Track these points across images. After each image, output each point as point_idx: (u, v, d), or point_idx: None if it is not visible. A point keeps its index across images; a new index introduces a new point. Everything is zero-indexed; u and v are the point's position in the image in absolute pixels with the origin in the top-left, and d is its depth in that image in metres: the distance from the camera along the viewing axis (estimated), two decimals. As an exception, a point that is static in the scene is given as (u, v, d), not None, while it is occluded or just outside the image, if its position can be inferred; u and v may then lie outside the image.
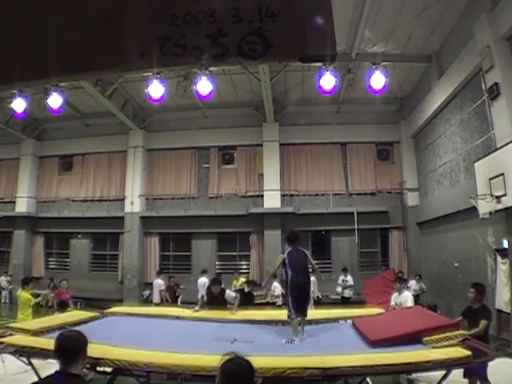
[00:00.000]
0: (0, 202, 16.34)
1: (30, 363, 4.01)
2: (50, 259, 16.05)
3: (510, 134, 7.36)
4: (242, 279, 11.37)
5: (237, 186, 14.49)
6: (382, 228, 13.94)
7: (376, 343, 4.04)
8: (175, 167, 15.13)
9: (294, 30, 1.80)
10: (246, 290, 8.83)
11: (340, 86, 11.67)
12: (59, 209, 15.65)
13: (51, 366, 2.19)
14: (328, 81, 9.54)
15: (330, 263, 13.74)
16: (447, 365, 3.41)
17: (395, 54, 11.06)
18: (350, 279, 11.69)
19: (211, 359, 3.38)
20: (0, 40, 2.07)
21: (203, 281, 10.39)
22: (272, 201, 13.75)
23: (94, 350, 3.65)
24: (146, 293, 13.91)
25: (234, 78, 12.66)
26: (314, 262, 5.49)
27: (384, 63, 10.05)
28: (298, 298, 5.00)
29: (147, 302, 13.14)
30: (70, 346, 2.14)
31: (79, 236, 15.51)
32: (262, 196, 13.98)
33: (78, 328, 4.90)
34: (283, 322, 5.37)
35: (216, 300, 6.34)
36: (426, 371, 3.84)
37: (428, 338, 3.91)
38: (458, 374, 3.92)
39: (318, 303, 10.95)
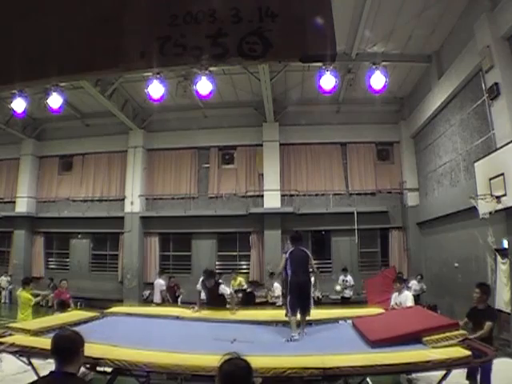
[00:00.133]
0: (0, 202, 16.34)
1: (30, 363, 4.01)
2: (49, 259, 16.05)
3: (510, 134, 7.36)
4: (240, 279, 11.37)
5: (237, 186, 14.49)
6: (381, 228, 13.94)
7: (376, 343, 4.04)
8: (175, 167, 15.13)
9: (294, 29, 1.80)
10: (249, 290, 8.88)
11: (340, 86, 11.66)
12: (59, 209, 15.65)
13: (51, 366, 2.20)
14: (328, 81, 9.54)
15: (329, 263, 13.74)
16: (447, 365, 3.41)
17: (395, 54, 11.06)
18: (350, 279, 11.69)
19: (211, 359, 3.38)
20: (0, 40, 2.07)
21: (212, 282, 10.39)
22: (272, 201, 13.75)
23: (94, 350, 3.67)
24: (146, 293, 13.91)
25: (234, 77, 12.66)
26: (314, 263, 5.47)
27: (384, 63, 10.04)
28: (297, 298, 5.05)
29: (147, 301, 13.13)
30: (66, 346, 2.14)
31: (79, 236, 15.50)
32: (262, 196, 13.98)
33: (78, 328, 4.90)
34: (283, 322, 5.38)
35: (212, 294, 6.19)
36: (425, 371, 3.84)
37: (428, 338, 3.91)
38: (458, 374, 3.91)
39: (318, 303, 10.94)
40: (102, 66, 2.00)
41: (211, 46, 1.82)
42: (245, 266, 14.20)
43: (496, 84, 7.82)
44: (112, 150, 15.52)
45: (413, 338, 4.00)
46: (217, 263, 14.28)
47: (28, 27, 2.05)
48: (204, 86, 9.90)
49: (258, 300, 10.47)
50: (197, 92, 10.23)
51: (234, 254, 14.42)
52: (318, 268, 7.25)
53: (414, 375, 4.88)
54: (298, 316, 5.07)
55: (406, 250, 13.58)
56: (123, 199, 14.90)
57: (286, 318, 5.17)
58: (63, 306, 6.91)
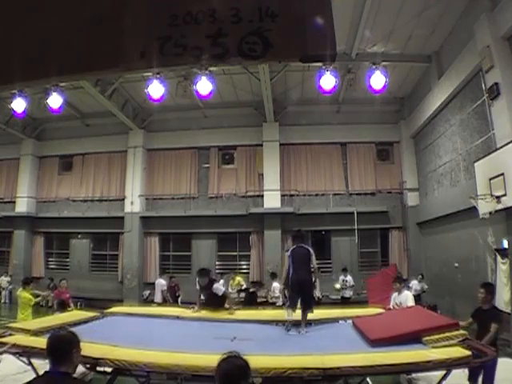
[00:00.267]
0: (0, 202, 16.34)
1: (30, 363, 4.01)
2: (50, 259, 16.06)
3: (510, 134, 7.37)
4: (239, 279, 11.38)
5: (237, 186, 14.49)
6: (382, 228, 13.95)
7: (376, 342, 4.04)
8: (175, 167, 15.13)
9: (294, 30, 1.80)
10: (251, 290, 8.93)
11: (340, 86, 11.67)
12: (59, 209, 15.65)
13: (51, 366, 2.21)
14: (328, 81, 9.55)
15: (330, 263, 13.75)
16: (447, 365, 3.41)
17: (395, 54, 11.06)
18: (349, 279, 11.70)
19: (211, 359, 3.37)
20: (0, 40, 2.07)
21: (206, 280, 10.39)
22: (272, 201, 13.75)
23: (94, 349, 3.67)
24: (146, 293, 13.92)
25: (234, 77, 12.67)
26: (315, 262, 5.50)
27: (384, 63, 10.05)
28: (297, 293, 5.19)
29: (147, 301, 13.14)
30: (60, 346, 2.15)
31: (79, 236, 15.51)
32: (262, 196, 13.99)
33: (78, 328, 4.91)
34: (283, 322, 5.39)
35: (207, 294, 6.05)
36: (426, 371, 3.84)
37: (428, 338, 3.91)
38: (458, 375, 3.91)
39: (318, 303, 10.94)
40: (102, 66, 2.00)
41: (211, 46, 1.82)
42: (245, 266, 14.20)
43: (496, 84, 7.82)
44: (112, 150, 15.53)
45: (413, 338, 4.00)
46: (217, 263, 14.29)
47: (28, 27, 2.05)
48: (204, 86, 9.91)
49: (258, 300, 10.49)
50: (197, 92, 10.24)
51: (234, 253, 14.42)
52: (319, 268, 7.26)
53: (413, 375, 4.88)
54: (297, 311, 5.15)
55: (406, 250, 13.58)
56: (123, 199, 14.91)
57: (286, 318, 5.18)
58: (63, 306, 6.92)
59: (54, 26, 2.01)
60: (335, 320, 5.52)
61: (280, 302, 9.69)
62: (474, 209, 8.19)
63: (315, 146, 14.48)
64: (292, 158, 14.52)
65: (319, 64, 9.29)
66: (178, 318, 5.83)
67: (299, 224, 13.28)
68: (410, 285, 10.31)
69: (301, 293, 5.20)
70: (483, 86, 8.67)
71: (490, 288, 4.89)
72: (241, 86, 13.21)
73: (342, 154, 14.52)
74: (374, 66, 9.76)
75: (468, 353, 3.50)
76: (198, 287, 6.31)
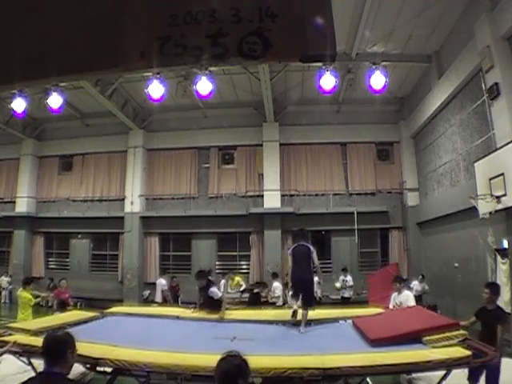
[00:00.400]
0: (0, 202, 16.34)
1: (30, 363, 4.01)
2: (50, 259, 16.06)
3: (510, 134, 7.37)
4: (238, 279, 11.37)
5: (237, 186, 14.49)
6: (382, 228, 13.95)
7: (376, 342, 4.04)
8: (175, 167, 15.13)
9: (294, 30, 1.80)
10: (255, 290, 8.97)
11: (340, 86, 11.67)
12: (59, 209, 15.65)
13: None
14: (328, 81, 9.55)
15: (330, 263, 13.74)
16: (447, 365, 3.41)
17: (395, 54, 11.06)
18: (349, 279, 11.70)
19: (211, 359, 3.37)
20: (0, 40, 2.07)
21: (203, 283, 10.38)
22: (272, 201, 13.75)
23: (94, 349, 3.67)
24: (146, 293, 13.92)
25: (234, 77, 12.66)
26: (317, 259, 5.57)
27: (384, 63, 10.06)
28: (296, 290, 5.39)
29: (147, 301, 13.14)
30: (55, 347, 2.16)
31: (79, 236, 15.51)
32: (262, 196, 13.99)
33: (78, 328, 4.91)
34: (283, 322, 5.39)
35: (204, 296, 5.94)
36: (426, 371, 3.84)
37: (428, 338, 3.91)
38: (458, 374, 3.91)
39: (319, 303, 10.94)
40: (102, 66, 2.00)
41: (211, 45, 1.82)
42: (245, 266, 14.21)
43: (496, 84, 7.82)
44: (112, 150, 15.52)
45: (413, 338, 4.00)
46: (217, 263, 14.29)
47: (28, 27, 2.05)
48: (204, 86, 9.90)
49: (245, 299, 10.44)
50: (197, 92, 10.24)
51: (234, 253, 14.42)
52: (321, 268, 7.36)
53: (413, 375, 4.87)
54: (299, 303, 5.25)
55: (406, 250, 13.58)
56: (123, 199, 14.91)
57: (286, 318, 5.20)
58: (63, 306, 6.91)
59: (54, 26, 2.01)
60: (335, 320, 5.53)
61: (280, 302, 9.68)
62: (474, 209, 8.18)
63: (315, 146, 14.48)
64: (292, 157, 14.52)
65: (319, 64, 9.29)
66: (177, 318, 5.84)
67: (299, 224, 13.22)
68: (411, 285, 10.29)
69: (301, 290, 5.32)
70: (483, 85, 8.67)
71: (494, 288, 4.82)
72: (241, 86, 13.21)
73: (342, 154, 14.52)
74: (374, 66, 9.76)
75: (468, 353, 3.50)
76: (197, 288, 6.29)
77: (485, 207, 7.68)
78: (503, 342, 4.65)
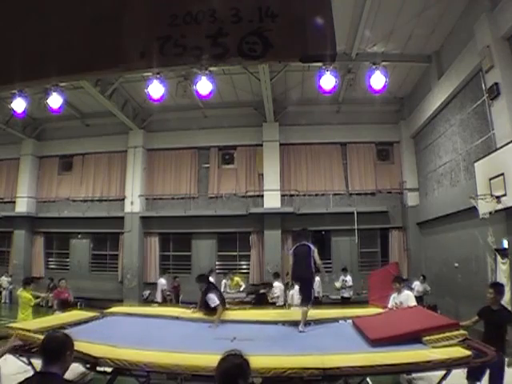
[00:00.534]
0: (0, 202, 16.34)
1: (30, 363, 4.01)
2: (50, 259, 16.05)
3: (510, 134, 7.36)
4: (237, 279, 11.37)
5: (237, 186, 14.49)
6: (382, 228, 13.94)
7: (376, 342, 4.04)
8: (175, 167, 15.13)
9: (294, 29, 1.80)
10: (262, 291, 9.01)
11: (340, 86, 11.67)
12: (59, 209, 15.65)
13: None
14: (328, 81, 9.54)
15: (330, 263, 13.74)
16: (447, 365, 3.41)
17: (395, 54, 11.06)
18: (349, 279, 11.68)
19: (211, 359, 3.37)
20: (0, 40, 2.07)
21: (203, 286, 10.42)
22: (272, 201, 13.75)
23: (94, 349, 3.67)
24: (146, 293, 13.92)
25: (234, 77, 12.66)
26: (318, 258, 5.62)
27: (384, 63, 10.05)
28: (299, 287, 5.76)
29: (147, 301, 13.15)
30: (54, 347, 2.17)
31: (79, 236, 15.51)
32: (262, 196, 13.98)
33: (78, 328, 4.91)
34: (283, 322, 5.39)
35: (201, 301, 5.88)
36: (426, 371, 3.84)
37: (428, 338, 3.91)
38: (458, 374, 3.91)
39: (320, 303, 10.94)
40: (102, 66, 2.00)
41: (211, 45, 1.82)
42: (245, 266, 14.21)
43: (496, 84, 7.82)
44: (112, 150, 15.52)
45: (413, 338, 4.00)
46: (217, 263, 14.28)
47: (28, 27, 2.05)
48: (204, 86, 9.90)
49: (251, 300, 10.47)
50: (197, 92, 10.24)
51: (234, 253, 14.42)
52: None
53: (413, 375, 4.87)
54: (298, 312, 5.39)
55: (406, 250, 13.58)
56: (123, 199, 14.90)
57: (287, 318, 5.22)
58: (64, 305, 6.91)
59: (54, 25, 2.02)
60: (335, 320, 5.53)
61: (281, 302, 9.68)
62: (474, 209, 8.18)
63: (315, 146, 14.48)
64: (292, 157, 14.52)
65: (319, 64, 9.29)
66: (177, 318, 5.84)
67: (299, 224, 13.26)
68: (413, 286, 10.27)
69: (300, 287, 5.65)
70: (483, 85, 8.67)
71: (499, 288, 4.78)
72: (241, 86, 13.21)
73: (342, 154, 14.52)
74: (374, 66, 9.76)
75: (468, 353, 3.50)
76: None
77: (485, 207, 7.67)
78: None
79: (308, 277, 5.58)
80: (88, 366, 3.69)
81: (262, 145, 14.29)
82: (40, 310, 9.94)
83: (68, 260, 15.67)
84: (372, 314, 5.45)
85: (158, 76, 9.99)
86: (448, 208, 10.49)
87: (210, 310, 5.67)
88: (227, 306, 6.37)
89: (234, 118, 14.53)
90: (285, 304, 9.27)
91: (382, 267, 11.96)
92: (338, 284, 11.87)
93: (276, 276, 10.62)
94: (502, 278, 8.10)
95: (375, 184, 14.16)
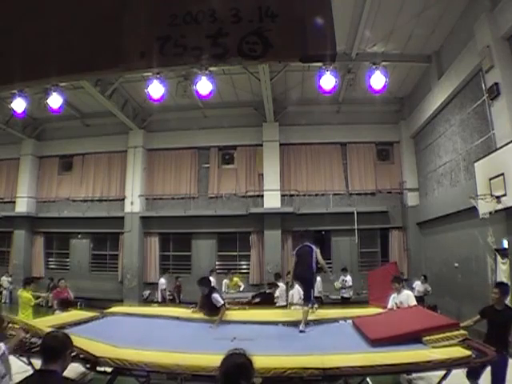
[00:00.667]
0: (0, 202, 16.33)
1: (30, 363, 4.01)
2: (50, 259, 16.05)
3: (510, 134, 7.36)
4: (236, 279, 11.37)
5: (237, 186, 14.49)
6: (382, 228, 13.94)
7: (376, 342, 4.04)
8: (175, 167, 15.13)
9: (294, 30, 1.80)
10: (268, 291, 9.06)
11: (340, 86, 11.66)
12: (59, 209, 15.65)
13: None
14: (328, 81, 9.53)
15: (330, 263, 13.71)
16: (447, 365, 3.41)
17: (395, 54, 11.06)
18: (349, 279, 11.65)
19: (211, 359, 3.38)
20: (0, 40, 2.07)
21: (205, 290, 10.45)
22: (272, 201, 13.75)
23: (94, 348, 3.67)
24: (146, 293, 13.93)
25: (234, 77, 12.66)
26: (321, 258, 5.82)
27: (384, 63, 10.04)
28: (301, 286, 5.93)
29: (147, 301, 13.17)
30: (54, 346, 2.21)
31: (79, 236, 15.50)
32: (262, 196, 13.98)
33: (78, 328, 4.91)
34: (284, 323, 5.39)
35: (205, 302, 5.87)
36: (426, 371, 3.84)
37: (428, 338, 3.91)
38: (458, 374, 3.91)
39: (321, 303, 10.92)
40: (102, 66, 2.00)
41: (211, 46, 1.82)
42: (245, 266, 14.21)
43: (496, 84, 7.82)
44: (112, 150, 15.52)
45: (413, 338, 4.00)
46: (217, 263, 14.27)
47: (28, 27, 2.05)
48: (204, 85, 9.90)
49: (258, 300, 10.47)
50: (197, 92, 10.23)
51: (234, 254, 14.41)
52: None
53: (413, 375, 4.87)
54: (299, 312, 5.46)
55: (406, 250, 13.58)
56: (123, 199, 14.90)
57: (287, 318, 5.22)
58: (64, 305, 6.91)
59: (54, 25, 2.02)
60: (335, 320, 5.53)
61: (283, 302, 9.67)
62: (474, 209, 8.18)
63: (315, 146, 14.48)
64: (292, 158, 14.52)
65: (319, 64, 9.28)
66: (177, 318, 5.83)
67: (299, 224, 13.33)
68: (414, 285, 10.25)
69: (301, 287, 5.80)
70: (483, 85, 8.67)
71: (504, 288, 4.73)
72: (241, 86, 13.21)
73: (342, 154, 14.52)
74: (374, 66, 9.75)
75: (468, 353, 3.51)
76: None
77: (485, 207, 7.67)
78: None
79: (309, 277, 5.69)
80: (88, 365, 3.69)
81: (261, 145, 14.29)
82: (40, 310, 9.93)
83: (68, 260, 15.66)
84: (372, 314, 5.45)
85: (158, 76, 9.98)
86: (448, 208, 10.49)
87: (212, 311, 5.67)
88: (228, 306, 6.38)
89: (233, 118, 14.52)
90: (287, 304, 9.28)
91: (381, 267, 11.96)
92: (337, 284, 11.86)
93: (278, 276, 10.62)
94: (502, 277, 8.10)
95: (375, 184, 14.16)
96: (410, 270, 13.11)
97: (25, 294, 7.19)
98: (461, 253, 10.05)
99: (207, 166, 14.99)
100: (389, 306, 6.15)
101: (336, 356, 3.65)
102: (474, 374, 4.27)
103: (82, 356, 3.57)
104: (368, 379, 5.01)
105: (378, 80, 9.72)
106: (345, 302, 11.10)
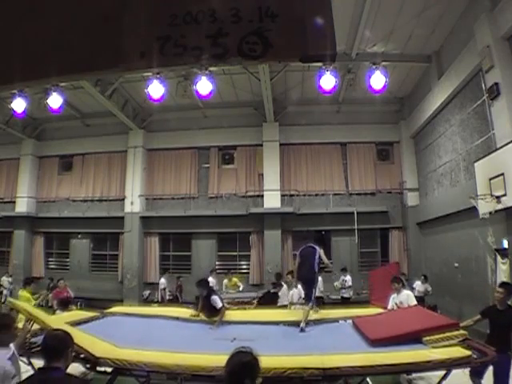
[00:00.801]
0: (0, 202, 16.33)
1: (30, 363, 4.01)
2: (50, 259, 16.04)
3: (510, 134, 7.36)
4: (235, 279, 11.37)
5: (237, 186, 14.49)
6: (382, 228, 13.93)
7: (376, 342, 4.04)
8: (175, 167, 15.12)
9: (294, 30, 1.80)
10: (272, 290, 9.08)
11: (340, 86, 11.66)
12: (59, 209, 15.64)
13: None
14: (328, 81, 9.53)
15: (326, 268, 13.70)
16: (447, 365, 3.41)
17: (395, 54, 11.05)
18: (348, 279, 11.63)
19: (211, 359, 3.38)
20: (0, 40, 2.07)
21: (210, 281, 10.48)
22: (272, 201, 13.75)
23: (94, 349, 3.67)
24: (146, 293, 13.93)
25: (234, 77, 12.66)
26: (325, 257, 5.96)
27: (384, 63, 10.04)
28: (303, 286, 6.01)
29: (147, 301, 13.17)
30: (56, 345, 2.23)
31: (79, 236, 15.50)
32: (262, 196, 13.98)
33: (78, 328, 4.90)
34: (284, 323, 5.39)
35: (204, 304, 5.84)
36: (426, 371, 3.85)
37: (428, 338, 3.91)
38: (458, 374, 3.91)
39: (323, 303, 10.90)
40: (102, 66, 2.00)
41: (211, 45, 1.82)
42: (245, 266, 14.20)
43: (496, 84, 7.81)
44: (112, 150, 15.51)
45: (413, 338, 4.00)
46: (217, 263, 14.27)
47: (28, 27, 2.05)
48: (204, 86, 9.89)
49: (261, 300, 10.48)
50: (197, 92, 10.23)
51: (234, 254, 14.41)
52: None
53: (413, 375, 4.88)
54: (299, 311, 5.53)
55: (406, 250, 13.57)
56: (123, 199, 14.90)
57: (287, 318, 5.23)
58: (65, 305, 6.91)
59: (54, 26, 2.02)
60: (335, 320, 5.53)
61: (285, 302, 9.67)
62: (474, 209, 8.18)
63: (315, 146, 14.47)
64: (292, 158, 14.51)
65: (319, 64, 9.27)
66: (177, 318, 5.83)
67: (299, 224, 13.33)
68: (414, 286, 10.23)
69: (303, 287, 5.88)
70: (483, 85, 8.66)
71: (509, 288, 4.63)
72: (241, 86, 13.20)
73: (342, 154, 14.51)
74: (374, 66, 9.75)
75: (468, 353, 3.51)
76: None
77: (485, 207, 7.67)
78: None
79: (310, 277, 5.75)
80: (88, 365, 3.69)
81: (262, 145, 14.29)
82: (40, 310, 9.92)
83: (68, 260, 15.65)
84: (372, 314, 5.45)
85: (158, 76, 9.98)
86: (448, 208, 10.49)
87: (211, 312, 5.65)
88: (228, 306, 6.39)
89: (233, 118, 14.52)
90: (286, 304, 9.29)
91: (382, 267, 11.95)
92: (337, 284, 11.86)
93: (279, 276, 10.62)
94: (502, 277, 8.09)
95: (375, 184, 14.15)
96: (410, 270, 13.09)
97: (24, 294, 7.20)
98: (461, 253, 10.05)
99: (207, 166, 14.98)
100: (389, 306, 6.16)
101: (336, 356, 3.65)
102: (477, 374, 4.26)
103: (82, 356, 3.57)
104: (368, 379, 5.02)
105: (377, 80, 9.72)
106: (345, 302, 11.09)
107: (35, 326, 4.57)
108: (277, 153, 14.11)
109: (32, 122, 15.84)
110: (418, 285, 10.45)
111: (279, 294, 10.00)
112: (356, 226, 13.24)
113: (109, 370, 3.77)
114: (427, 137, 12.55)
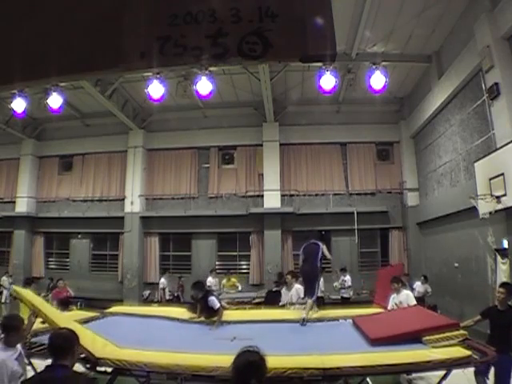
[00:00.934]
0: (0, 202, 16.33)
1: (30, 363, 4.01)
2: (50, 259, 16.04)
3: (510, 134, 7.36)
4: (234, 280, 11.37)
5: (237, 186, 14.49)
6: (382, 228, 13.94)
7: (376, 341, 4.04)
8: (175, 167, 15.12)
9: (294, 30, 1.80)
10: (275, 288, 9.10)
11: (340, 86, 11.66)
12: (59, 209, 15.65)
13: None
14: (328, 81, 9.54)
15: (329, 263, 13.71)
16: (447, 365, 3.41)
17: (395, 54, 11.05)
18: (348, 279, 11.61)
19: (211, 359, 3.39)
20: (0, 40, 2.07)
21: (209, 281, 10.50)
22: (272, 201, 13.75)
23: (94, 349, 3.67)
24: (146, 293, 13.93)
25: (234, 77, 12.66)
26: (327, 252, 6.33)
27: (384, 63, 10.05)
28: (304, 283, 6.18)
29: (147, 301, 13.17)
30: (61, 344, 2.29)
31: (79, 236, 15.50)
32: (262, 196, 13.98)
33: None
34: (284, 322, 5.39)
35: (201, 306, 5.75)
36: (426, 371, 3.85)
37: (428, 338, 3.91)
38: (458, 375, 3.91)
39: (323, 303, 10.89)
40: (102, 66, 2.00)
41: (211, 45, 1.83)
42: (245, 266, 14.20)
43: (496, 84, 7.82)
44: (112, 150, 15.51)
45: (413, 338, 4.00)
46: (217, 263, 14.27)
47: (28, 27, 2.05)
48: (204, 85, 9.90)
49: (258, 300, 10.47)
50: (197, 92, 10.24)
51: (234, 254, 14.41)
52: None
53: (413, 375, 4.87)
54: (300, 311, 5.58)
55: (406, 250, 13.57)
56: (123, 199, 14.90)
57: (287, 317, 5.23)
58: (65, 304, 6.90)
59: (54, 26, 2.02)
60: (335, 319, 5.53)
61: (286, 301, 9.67)
62: (474, 209, 8.18)
63: (315, 146, 14.48)
64: (292, 158, 14.52)
65: (319, 64, 9.28)
66: (177, 319, 5.83)
67: (299, 224, 13.33)
68: (414, 286, 10.22)
69: (304, 282, 6.05)
70: (483, 85, 8.67)
71: (511, 288, 4.63)
72: (241, 86, 13.20)
73: (342, 154, 14.51)
74: (374, 66, 9.75)
75: (468, 353, 3.51)
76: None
77: (485, 207, 7.67)
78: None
79: (314, 274, 5.93)
80: (88, 365, 3.69)
81: (261, 145, 14.29)
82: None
83: (68, 260, 15.65)
84: (372, 314, 5.45)
85: (158, 76, 9.98)
86: (448, 208, 10.49)
87: (210, 313, 5.64)
88: (226, 306, 6.39)
89: (233, 118, 14.52)
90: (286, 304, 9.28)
91: (390, 266, 11.87)
92: (337, 284, 11.85)
93: (281, 276, 10.62)
94: (502, 277, 8.10)
95: (375, 184, 14.16)
96: (410, 270, 13.10)
97: (24, 294, 7.18)
98: (461, 253, 10.05)
99: (207, 166, 14.99)
100: (389, 306, 6.15)
101: (336, 356, 3.64)
102: (481, 374, 4.24)
103: (82, 356, 3.57)
104: (368, 379, 5.02)
105: (377, 80, 9.73)
106: (345, 302, 11.08)
107: (36, 325, 4.58)
108: (277, 153, 14.11)
109: (32, 122, 15.84)
110: (417, 285, 10.42)
111: (282, 291, 10.03)
112: (356, 226, 13.24)
113: (109, 370, 3.77)
114: (427, 137, 12.55)
